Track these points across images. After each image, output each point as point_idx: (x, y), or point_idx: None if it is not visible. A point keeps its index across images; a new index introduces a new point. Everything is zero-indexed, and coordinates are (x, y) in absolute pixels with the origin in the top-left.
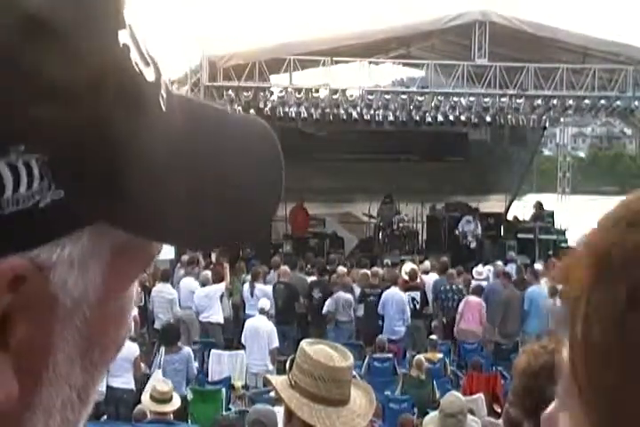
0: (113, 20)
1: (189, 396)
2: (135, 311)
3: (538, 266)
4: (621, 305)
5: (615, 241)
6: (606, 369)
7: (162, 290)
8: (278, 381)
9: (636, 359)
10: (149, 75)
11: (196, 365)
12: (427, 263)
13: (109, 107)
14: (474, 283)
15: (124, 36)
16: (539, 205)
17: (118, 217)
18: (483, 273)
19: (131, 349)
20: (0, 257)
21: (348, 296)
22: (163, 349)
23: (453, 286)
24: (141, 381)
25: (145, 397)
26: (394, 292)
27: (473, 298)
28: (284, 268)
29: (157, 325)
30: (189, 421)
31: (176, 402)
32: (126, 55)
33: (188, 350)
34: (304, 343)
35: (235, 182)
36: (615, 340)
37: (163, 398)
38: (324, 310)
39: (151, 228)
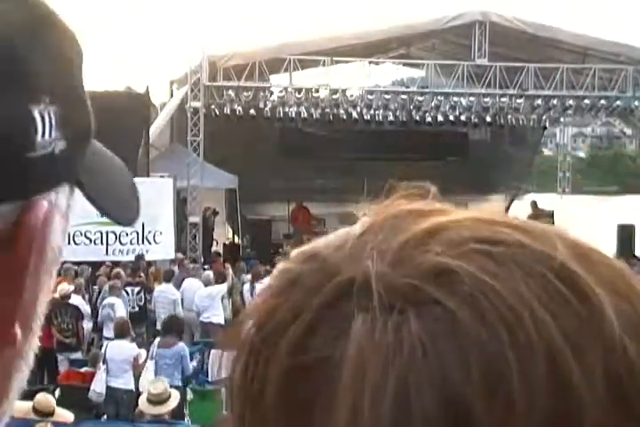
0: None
1: (189, 396)
2: (134, 310)
3: None
4: None
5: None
6: None
7: (164, 290)
8: None
9: None
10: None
11: (193, 364)
12: None
13: None
14: None
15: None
16: (534, 205)
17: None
18: None
19: (130, 349)
20: (30, 197)
21: None
22: (156, 341)
23: None
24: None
25: (142, 399)
26: None
27: None
28: None
29: (159, 326)
30: (189, 420)
31: (173, 401)
32: None
33: (182, 346)
34: None
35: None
36: None
37: (159, 400)
38: None
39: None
